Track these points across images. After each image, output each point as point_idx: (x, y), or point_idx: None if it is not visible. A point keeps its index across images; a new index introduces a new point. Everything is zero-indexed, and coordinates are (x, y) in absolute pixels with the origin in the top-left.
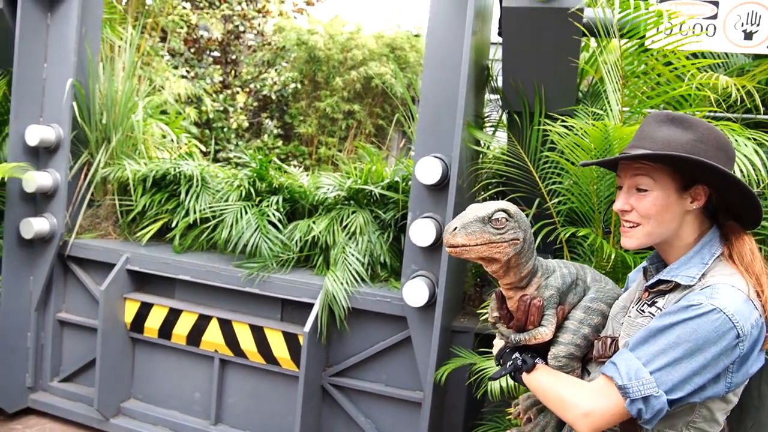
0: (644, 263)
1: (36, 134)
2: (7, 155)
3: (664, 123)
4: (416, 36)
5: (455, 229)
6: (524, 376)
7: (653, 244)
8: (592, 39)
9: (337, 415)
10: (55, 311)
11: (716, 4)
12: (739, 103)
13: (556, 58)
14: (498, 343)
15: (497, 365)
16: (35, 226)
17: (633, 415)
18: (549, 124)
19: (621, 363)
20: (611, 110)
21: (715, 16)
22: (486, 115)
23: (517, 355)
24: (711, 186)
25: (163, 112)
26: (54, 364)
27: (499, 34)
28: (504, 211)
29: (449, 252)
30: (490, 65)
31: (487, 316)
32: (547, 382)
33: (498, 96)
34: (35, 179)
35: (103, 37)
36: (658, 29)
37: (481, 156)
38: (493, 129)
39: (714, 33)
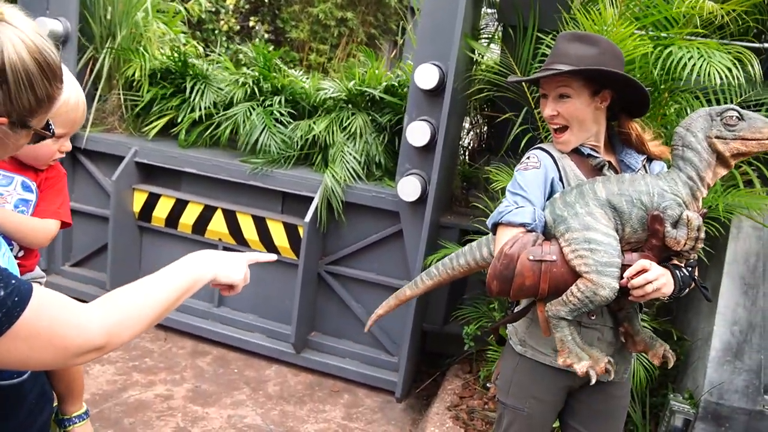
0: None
1: (45, 26)
2: None
3: (573, 41)
4: None
5: None
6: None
7: (582, 141)
8: None
9: (331, 300)
10: None
11: None
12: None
13: None
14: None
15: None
16: None
17: None
18: (541, 38)
19: None
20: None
21: None
22: (482, 27)
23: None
24: (613, 88)
25: (160, 11)
26: (65, 250)
27: None
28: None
29: None
30: None
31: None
32: None
33: (494, 10)
34: None
35: None
36: None
37: (475, 66)
38: (488, 41)
39: None
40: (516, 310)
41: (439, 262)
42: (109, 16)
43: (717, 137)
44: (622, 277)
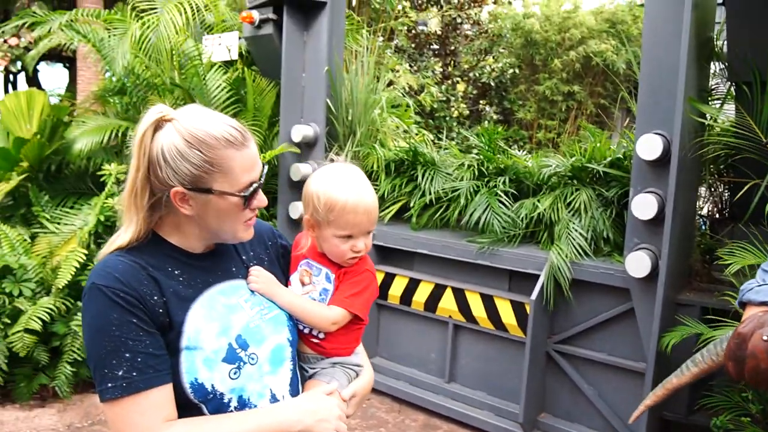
0: None
1: (299, 132)
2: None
3: None
4: (640, 6)
5: None
6: None
7: None
8: None
9: (561, 381)
10: None
11: None
12: None
13: None
14: None
15: None
16: (300, 208)
17: None
18: None
19: None
20: None
21: None
22: (712, 87)
23: None
24: None
25: (394, 106)
26: None
27: (722, 3)
28: None
29: None
30: (715, 35)
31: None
32: None
33: (723, 67)
34: (300, 170)
35: (345, 45)
36: None
37: (707, 130)
38: (720, 102)
39: None
40: None
41: (704, 347)
42: (350, 117)
43: None
44: None
